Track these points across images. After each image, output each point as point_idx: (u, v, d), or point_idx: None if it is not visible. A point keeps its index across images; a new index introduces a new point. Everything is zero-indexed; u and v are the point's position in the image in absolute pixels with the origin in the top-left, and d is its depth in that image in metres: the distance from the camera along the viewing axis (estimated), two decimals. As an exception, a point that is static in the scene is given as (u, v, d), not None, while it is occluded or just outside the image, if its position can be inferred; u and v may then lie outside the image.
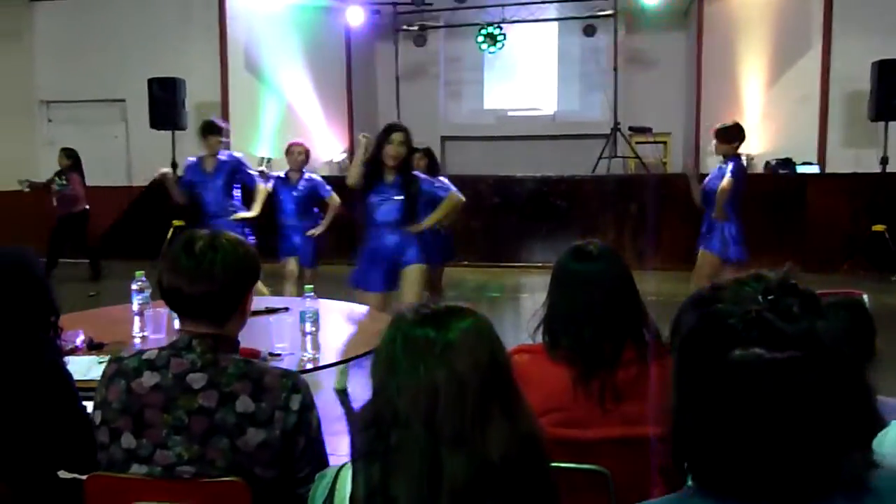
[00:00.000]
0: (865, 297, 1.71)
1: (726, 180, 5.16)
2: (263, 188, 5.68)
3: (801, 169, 9.34)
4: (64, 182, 8.77)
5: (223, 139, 5.68)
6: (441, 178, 4.99)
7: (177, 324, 1.72)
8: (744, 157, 9.91)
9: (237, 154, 5.94)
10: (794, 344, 0.92)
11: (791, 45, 9.73)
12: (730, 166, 5.27)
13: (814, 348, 0.92)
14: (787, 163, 9.47)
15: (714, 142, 5.44)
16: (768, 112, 9.99)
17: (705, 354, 0.95)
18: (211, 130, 5.65)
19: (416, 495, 1.12)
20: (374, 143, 4.45)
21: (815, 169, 9.37)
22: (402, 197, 4.37)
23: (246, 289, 1.71)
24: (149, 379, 1.61)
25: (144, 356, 1.66)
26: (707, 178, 5.48)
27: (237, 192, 5.77)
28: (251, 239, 5.24)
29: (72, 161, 8.88)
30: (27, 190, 8.90)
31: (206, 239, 1.67)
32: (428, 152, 5.22)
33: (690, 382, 0.97)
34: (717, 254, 5.27)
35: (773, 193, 8.96)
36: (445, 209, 4.53)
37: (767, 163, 9.73)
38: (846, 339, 0.95)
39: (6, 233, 8.04)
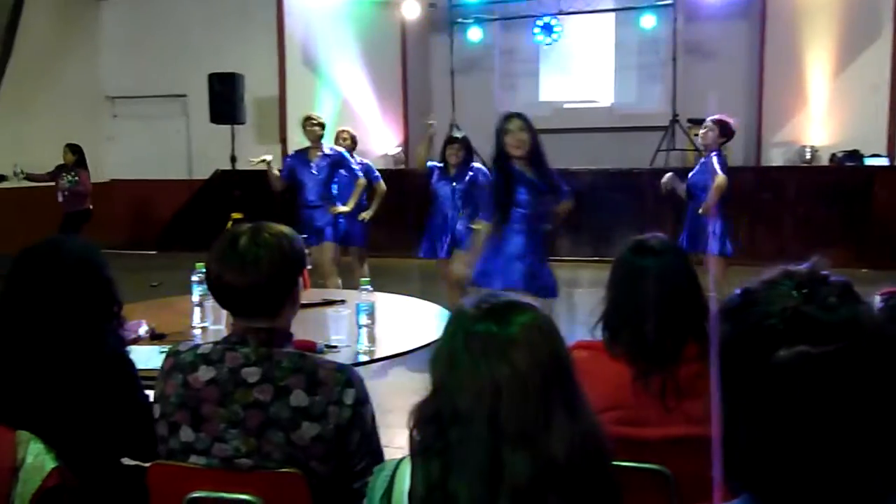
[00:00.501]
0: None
1: (722, 178, 5.04)
2: (362, 182, 5.83)
3: (868, 161, 9.02)
4: (74, 178, 8.44)
5: (321, 131, 5.82)
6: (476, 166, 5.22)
7: (231, 318, 1.74)
8: (808, 149, 9.68)
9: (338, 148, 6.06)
10: (839, 334, 0.87)
11: (859, 32, 9.39)
12: (715, 159, 5.19)
13: (859, 336, 0.88)
14: (854, 155, 9.16)
15: (705, 131, 5.40)
16: (834, 102, 9.67)
17: (748, 362, 0.91)
18: (305, 121, 5.87)
19: (476, 493, 1.11)
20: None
21: (884, 161, 9.04)
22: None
23: (293, 280, 1.71)
24: (204, 373, 1.63)
25: (200, 350, 1.68)
26: (691, 173, 5.38)
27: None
28: (342, 227, 5.65)
29: (77, 157, 8.53)
30: (22, 179, 8.38)
31: (249, 233, 1.67)
32: (464, 142, 5.21)
33: (736, 393, 0.93)
34: (718, 254, 5.16)
35: (838, 186, 8.68)
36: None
37: (833, 155, 9.43)
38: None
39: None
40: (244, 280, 1.62)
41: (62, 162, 8.50)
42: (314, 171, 5.75)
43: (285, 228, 1.74)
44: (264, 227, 1.70)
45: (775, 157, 10.23)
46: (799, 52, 9.82)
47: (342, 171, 5.85)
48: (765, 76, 10.36)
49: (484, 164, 10.82)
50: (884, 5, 9.23)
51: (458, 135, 5.30)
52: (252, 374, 1.61)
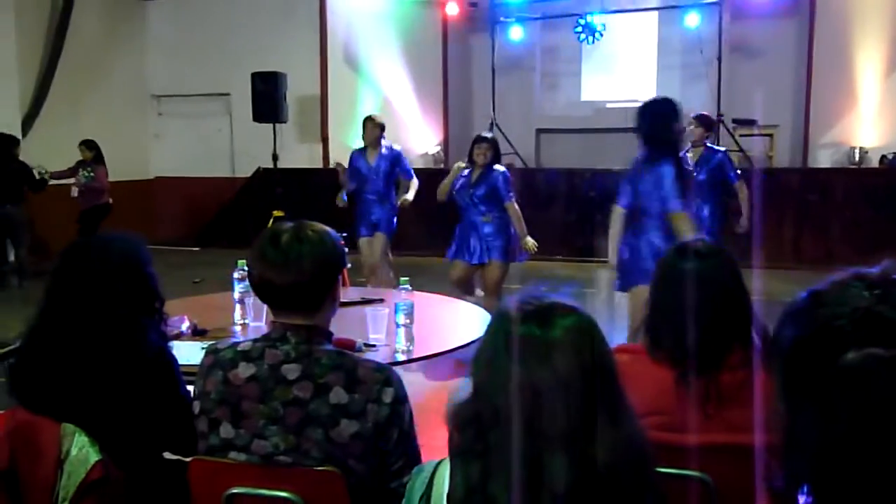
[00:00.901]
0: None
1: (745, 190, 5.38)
2: (416, 182, 6.01)
3: (919, 163, 8.79)
4: (90, 174, 8.43)
5: (380, 130, 6.05)
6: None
7: (270, 315, 1.75)
8: (856, 151, 9.45)
9: (396, 147, 6.25)
10: None
11: (912, 31, 9.15)
12: (719, 157, 5.43)
13: None
14: (905, 156, 8.93)
15: (693, 126, 5.39)
16: (885, 103, 9.43)
17: (816, 364, 0.88)
18: (367, 121, 6.08)
19: (515, 498, 1.10)
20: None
21: (936, 164, 8.80)
22: None
23: (334, 278, 1.72)
24: (245, 370, 1.64)
25: (240, 347, 1.69)
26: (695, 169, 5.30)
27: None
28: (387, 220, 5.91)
29: (94, 153, 8.52)
30: (47, 178, 8.37)
31: (291, 231, 1.68)
32: (493, 143, 5.20)
33: (802, 396, 0.90)
34: None
35: (888, 188, 8.46)
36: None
37: (883, 156, 9.19)
38: None
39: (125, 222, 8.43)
40: (286, 277, 1.64)
41: (80, 158, 8.56)
42: (373, 168, 5.98)
43: (327, 227, 1.75)
44: (307, 225, 1.71)
45: (823, 159, 10.01)
46: (849, 51, 9.59)
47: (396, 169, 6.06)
48: (813, 76, 10.14)
49: (524, 163, 10.78)
50: (938, 3, 8.98)
51: (487, 135, 5.25)
52: (292, 370, 1.62)
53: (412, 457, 1.66)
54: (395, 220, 6.03)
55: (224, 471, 1.60)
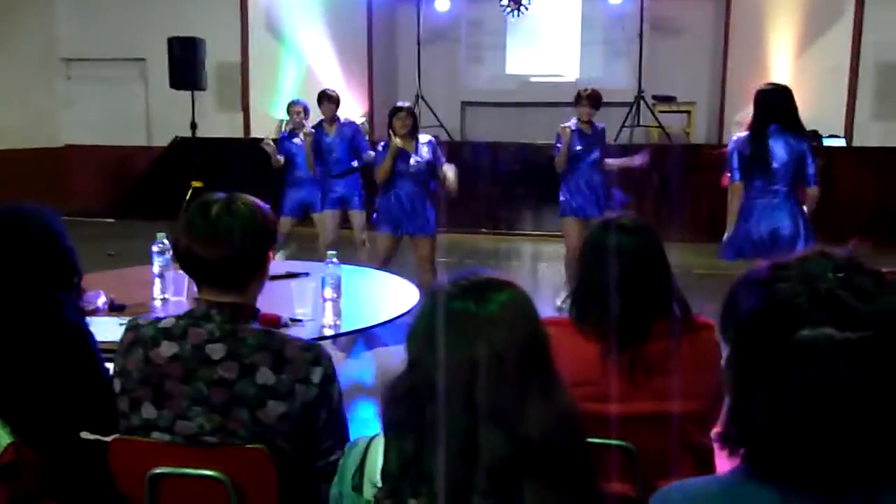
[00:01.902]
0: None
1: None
2: (372, 154, 6.01)
3: (827, 142, 9.18)
4: None
5: (335, 106, 6.13)
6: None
7: (195, 290, 1.70)
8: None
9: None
10: (868, 324, 0.87)
11: (822, 13, 9.49)
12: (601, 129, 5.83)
13: (888, 329, 0.88)
14: (814, 135, 9.30)
15: (586, 108, 5.69)
16: (796, 83, 9.70)
17: (770, 337, 0.91)
18: (321, 99, 6.11)
19: (451, 471, 1.10)
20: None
21: (841, 142, 9.20)
22: None
23: (264, 253, 1.68)
24: (167, 349, 1.59)
25: (161, 325, 1.64)
26: (579, 145, 5.69)
27: None
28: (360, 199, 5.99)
29: None
30: None
31: (222, 203, 1.63)
32: (411, 111, 5.20)
33: (753, 367, 0.93)
34: None
35: (798, 166, 8.80)
36: None
37: (793, 135, 9.55)
38: None
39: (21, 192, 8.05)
40: (215, 251, 1.59)
41: None
42: (334, 141, 6.04)
43: (257, 201, 1.69)
44: (238, 198, 1.66)
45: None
46: (763, 32, 9.90)
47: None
48: (728, 55, 10.44)
49: (450, 136, 10.79)
50: (847, -13, 9.34)
51: (403, 104, 5.23)
52: (216, 350, 1.57)
53: (341, 435, 1.64)
54: (363, 193, 6.07)
55: (147, 450, 1.55)
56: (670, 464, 1.76)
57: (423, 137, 5.17)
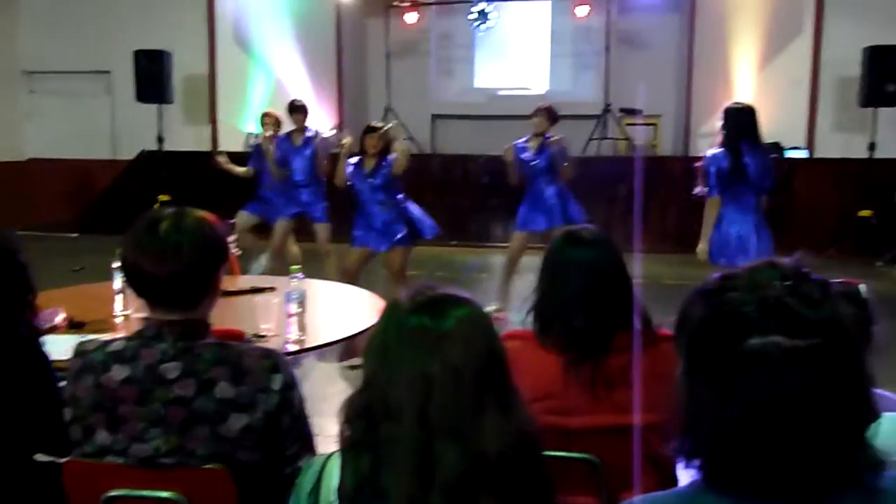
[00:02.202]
0: (863, 286, 1.68)
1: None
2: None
3: (789, 153, 9.34)
4: None
5: (304, 116, 6.22)
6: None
7: (132, 310, 1.66)
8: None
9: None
10: (815, 331, 0.88)
11: (782, 28, 9.69)
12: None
13: (835, 335, 0.89)
14: (776, 147, 9.46)
15: (537, 119, 5.78)
16: (759, 96, 9.95)
17: (719, 346, 0.91)
18: (291, 110, 6.20)
19: (407, 489, 1.09)
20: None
21: (803, 154, 9.38)
22: None
23: (215, 269, 1.63)
24: (118, 372, 1.55)
25: (110, 348, 1.59)
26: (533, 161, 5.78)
27: None
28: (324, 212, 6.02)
29: None
30: None
31: (170, 219, 1.58)
32: (384, 134, 5.23)
33: (704, 377, 0.93)
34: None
35: (762, 178, 8.94)
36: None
37: (757, 146, 9.71)
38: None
39: None
40: (164, 268, 1.54)
41: None
42: (299, 150, 6.10)
43: (208, 214, 1.65)
44: (186, 213, 1.61)
45: (703, 147, 10.47)
46: (726, 45, 10.07)
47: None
48: (693, 68, 10.59)
49: (420, 148, 10.79)
50: (805, 3, 9.53)
51: (377, 124, 5.25)
52: (171, 369, 1.54)
53: (305, 441, 1.62)
54: (326, 205, 6.10)
55: (102, 473, 1.52)
56: (633, 476, 1.77)
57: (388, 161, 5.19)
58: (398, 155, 5.07)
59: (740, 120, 4.66)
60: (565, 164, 5.76)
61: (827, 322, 0.89)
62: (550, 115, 5.81)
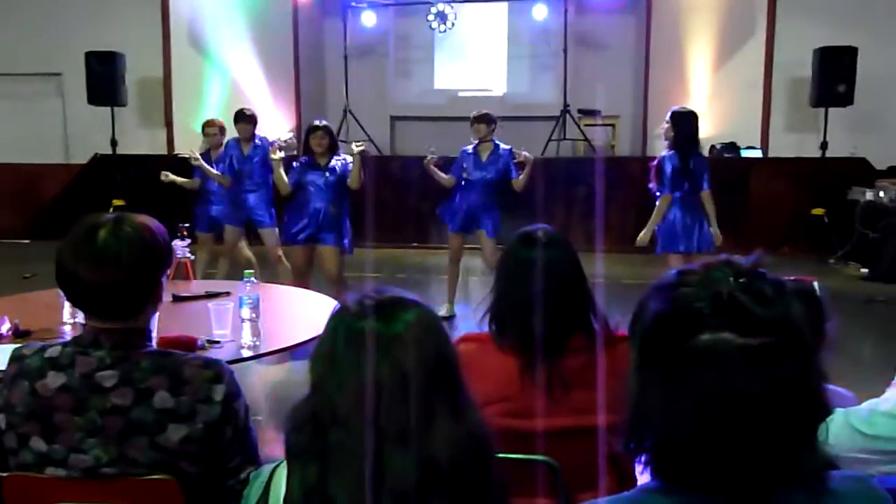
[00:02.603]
0: (816, 283, 1.70)
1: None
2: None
3: (745, 153, 9.50)
4: None
5: (251, 126, 6.07)
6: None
7: (81, 317, 1.60)
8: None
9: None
10: (767, 329, 0.88)
11: (736, 30, 9.85)
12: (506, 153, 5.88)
13: (787, 334, 0.89)
14: (732, 147, 9.62)
15: (477, 125, 5.89)
16: (714, 96, 10.11)
17: (670, 340, 0.91)
18: (238, 119, 6.06)
19: (356, 497, 1.06)
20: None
21: (758, 153, 9.54)
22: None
23: (156, 278, 1.57)
24: (54, 380, 1.49)
25: (47, 354, 1.53)
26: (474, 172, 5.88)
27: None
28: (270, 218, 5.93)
29: None
30: None
31: (109, 226, 1.52)
32: (328, 130, 5.24)
33: (653, 371, 0.92)
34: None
35: (718, 177, 9.01)
36: None
37: (713, 146, 9.86)
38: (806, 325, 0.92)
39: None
40: (101, 278, 1.49)
41: None
42: (247, 158, 6.00)
43: (150, 220, 1.59)
44: (126, 219, 1.55)
45: (660, 148, 10.59)
46: (682, 47, 10.21)
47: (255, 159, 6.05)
48: (650, 69, 10.71)
49: (379, 150, 10.75)
50: (758, 5, 9.70)
51: (319, 122, 5.24)
52: (108, 378, 1.49)
53: (249, 453, 1.58)
54: (273, 210, 6.02)
55: (44, 486, 1.47)
56: (592, 477, 1.76)
57: (340, 158, 5.15)
58: (353, 168, 5.05)
59: (689, 123, 5.13)
60: (520, 176, 5.75)
61: (779, 321, 0.89)
62: (482, 120, 5.87)
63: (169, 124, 10.35)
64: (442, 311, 5.75)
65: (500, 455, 1.52)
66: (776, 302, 0.90)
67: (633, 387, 0.96)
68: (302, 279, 5.19)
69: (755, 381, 0.87)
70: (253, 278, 2.80)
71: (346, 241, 5.23)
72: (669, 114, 5.13)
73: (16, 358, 1.57)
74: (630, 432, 0.96)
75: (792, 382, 0.88)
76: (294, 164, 5.27)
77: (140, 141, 10.00)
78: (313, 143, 5.06)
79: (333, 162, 5.14)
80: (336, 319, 1.15)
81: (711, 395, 0.88)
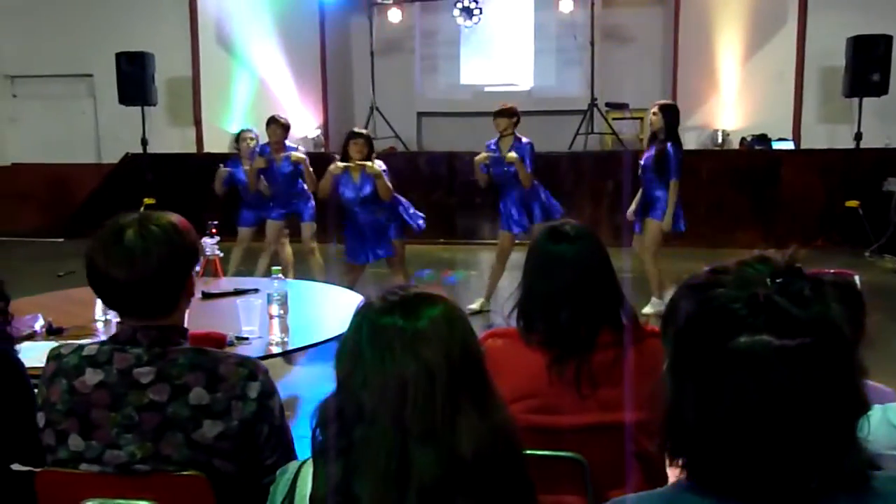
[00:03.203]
0: (857, 277, 1.66)
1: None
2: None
3: (776, 145, 9.35)
4: None
5: (282, 131, 6.05)
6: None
7: (114, 315, 1.62)
8: (719, 133, 9.99)
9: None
10: (806, 330, 0.85)
11: (767, 20, 9.70)
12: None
13: (825, 334, 0.86)
14: (763, 139, 9.47)
15: (499, 119, 5.81)
16: (744, 88, 9.97)
17: (706, 343, 0.88)
18: (270, 122, 6.05)
19: (380, 495, 1.06)
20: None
21: (789, 145, 9.39)
22: None
23: (186, 273, 1.59)
24: (91, 377, 1.51)
25: (84, 352, 1.56)
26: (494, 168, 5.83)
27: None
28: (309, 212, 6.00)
29: None
30: None
31: (135, 225, 1.54)
32: (368, 139, 5.18)
33: (689, 374, 0.90)
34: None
35: (748, 169, 8.96)
36: None
37: (743, 139, 9.73)
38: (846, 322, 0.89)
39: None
40: (132, 277, 1.50)
41: None
42: (278, 170, 5.99)
43: (174, 216, 1.61)
44: (152, 218, 1.57)
45: (688, 141, 10.48)
46: (711, 38, 10.08)
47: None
48: (678, 62, 10.59)
49: (406, 147, 10.77)
50: (790, -6, 9.55)
51: (361, 130, 5.22)
52: (145, 374, 1.51)
53: (286, 450, 1.58)
54: (312, 204, 6.06)
55: (76, 482, 1.48)
56: (620, 474, 1.75)
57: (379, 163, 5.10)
58: (380, 183, 4.95)
59: (677, 115, 5.62)
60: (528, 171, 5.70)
61: (817, 321, 0.86)
62: (504, 113, 5.81)
63: (198, 123, 10.45)
64: (474, 306, 5.73)
65: (528, 452, 1.51)
66: (814, 302, 0.87)
67: (667, 388, 0.94)
68: (352, 282, 5.17)
69: (794, 382, 0.85)
70: (281, 275, 2.81)
71: (412, 223, 5.21)
72: (658, 107, 5.57)
73: (54, 357, 1.59)
74: (666, 434, 0.94)
75: (831, 381, 0.86)
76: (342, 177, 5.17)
77: (170, 140, 10.11)
78: (353, 149, 4.98)
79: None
80: (360, 315, 1.15)
81: (749, 398, 0.86)
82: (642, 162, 5.72)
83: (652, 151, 5.61)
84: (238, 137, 6.40)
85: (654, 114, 5.55)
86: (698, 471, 0.92)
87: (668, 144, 5.45)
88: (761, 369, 0.85)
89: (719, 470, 0.90)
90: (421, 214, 5.32)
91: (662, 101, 5.69)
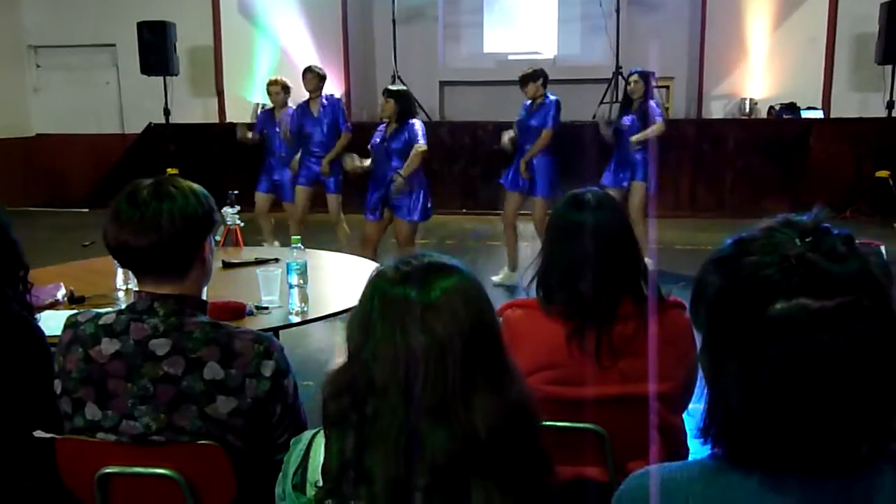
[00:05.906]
0: (883, 247, 1.61)
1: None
2: (346, 135, 5.95)
3: (805, 114, 9.16)
4: None
5: (318, 80, 6.02)
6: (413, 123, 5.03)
7: (134, 283, 1.62)
8: (747, 102, 9.79)
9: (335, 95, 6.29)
10: (844, 287, 0.81)
11: (798, -15, 9.46)
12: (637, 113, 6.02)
13: (866, 289, 0.81)
14: (792, 107, 9.28)
15: (527, 87, 5.91)
16: (773, 55, 9.76)
17: (740, 316, 0.84)
18: (306, 72, 6.04)
19: (392, 469, 1.04)
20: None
21: (819, 114, 9.20)
22: None
23: (200, 238, 1.58)
24: (108, 346, 1.51)
25: (101, 321, 1.55)
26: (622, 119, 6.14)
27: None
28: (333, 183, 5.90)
29: None
30: None
31: (150, 187, 1.54)
32: (396, 95, 5.05)
33: (728, 351, 0.86)
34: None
35: (777, 138, 8.80)
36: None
37: (771, 107, 9.54)
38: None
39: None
40: (145, 237, 1.50)
41: None
42: (317, 120, 5.97)
43: (192, 184, 1.61)
44: (167, 181, 1.57)
45: (716, 110, 10.31)
46: (739, 6, 9.85)
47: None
48: (706, 29, 10.37)
49: (428, 116, 10.69)
50: (822, -43, 9.29)
51: (390, 87, 5.14)
52: (161, 345, 1.50)
53: (299, 428, 1.57)
54: (340, 178, 6.00)
55: (95, 450, 1.49)
56: (643, 445, 1.72)
57: (414, 121, 5.03)
58: (412, 155, 4.89)
59: (653, 80, 6.05)
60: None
61: (856, 276, 0.82)
62: (527, 79, 5.89)
63: (220, 93, 10.45)
64: (497, 278, 5.70)
65: (548, 423, 1.49)
66: (849, 256, 0.83)
67: (706, 371, 0.90)
68: (372, 250, 5.11)
69: (836, 345, 0.80)
70: (300, 244, 2.80)
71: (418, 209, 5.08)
72: (638, 73, 6.02)
73: (70, 325, 1.59)
74: (708, 422, 0.89)
75: (875, 342, 0.81)
76: (376, 132, 5.12)
77: (192, 110, 10.12)
78: (384, 107, 4.98)
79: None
80: (372, 286, 1.12)
81: (791, 366, 0.81)
82: (623, 128, 6.03)
83: (631, 116, 5.97)
84: (267, 90, 6.33)
85: (636, 81, 6.00)
86: (742, 447, 0.88)
87: (651, 101, 5.92)
88: (801, 334, 0.81)
89: (764, 444, 0.85)
90: (427, 209, 5.16)
91: (641, 69, 6.11)
